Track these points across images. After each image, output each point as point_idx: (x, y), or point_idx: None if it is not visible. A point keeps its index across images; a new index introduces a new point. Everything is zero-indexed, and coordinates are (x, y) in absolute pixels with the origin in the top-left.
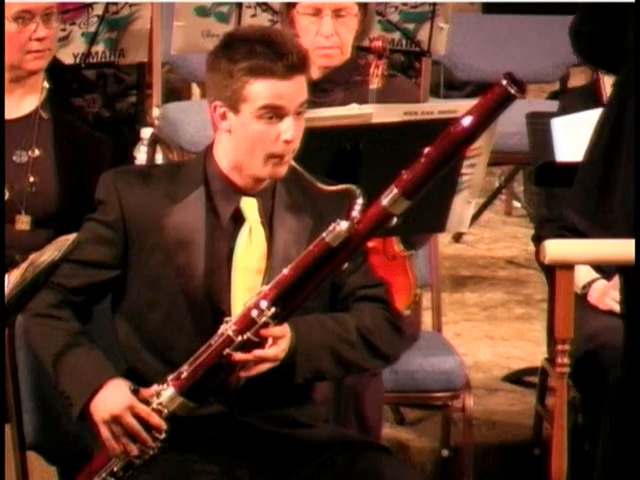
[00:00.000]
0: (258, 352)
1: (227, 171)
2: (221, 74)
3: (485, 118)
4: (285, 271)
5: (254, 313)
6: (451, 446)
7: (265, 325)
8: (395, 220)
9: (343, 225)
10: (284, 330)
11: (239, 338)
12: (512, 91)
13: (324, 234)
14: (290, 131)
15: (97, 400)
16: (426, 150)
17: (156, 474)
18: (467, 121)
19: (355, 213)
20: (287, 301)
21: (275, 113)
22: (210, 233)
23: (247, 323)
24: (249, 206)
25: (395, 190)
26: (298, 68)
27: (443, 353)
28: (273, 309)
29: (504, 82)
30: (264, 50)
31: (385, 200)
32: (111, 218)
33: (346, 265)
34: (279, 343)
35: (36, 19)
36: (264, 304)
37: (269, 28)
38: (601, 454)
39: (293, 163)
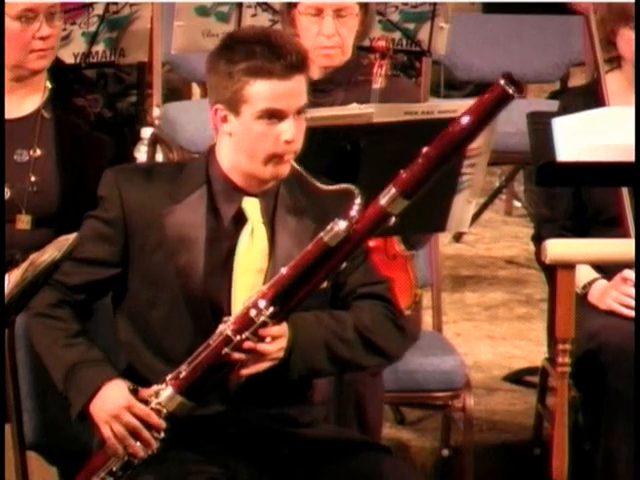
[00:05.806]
0: (259, 346)
1: (229, 172)
2: (221, 76)
3: (483, 118)
4: (283, 270)
5: (252, 312)
6: (451, 446)
7: (263, 324)
8: (393, 219)
9: (341, 225)
10: (282, 329)
11: (237, 337)
12: (510, 91)
13: (322, 234)
14: (290, 131)
15: (96, 401)
16: (424, 150)
17: (155, 474)
18: (465, 121)
19: (353, 213)
20: (285, 300)
21: (275, 114)
22: (211, 233)
23: (245, 322)
24: (251, 206)
25: (393, 189)
26: (297, 68)
27: (443, 353)
28: (271, 308)
29: (502, 82)
30: (263, 51)
31: (383, 200)
32: (111, 215)
33: (345, 265)
34: (277, 342)
35: (39, 18)
36: (262, 303)
37: (268, 29)
38: (601, 454)
39: (293, 163)
